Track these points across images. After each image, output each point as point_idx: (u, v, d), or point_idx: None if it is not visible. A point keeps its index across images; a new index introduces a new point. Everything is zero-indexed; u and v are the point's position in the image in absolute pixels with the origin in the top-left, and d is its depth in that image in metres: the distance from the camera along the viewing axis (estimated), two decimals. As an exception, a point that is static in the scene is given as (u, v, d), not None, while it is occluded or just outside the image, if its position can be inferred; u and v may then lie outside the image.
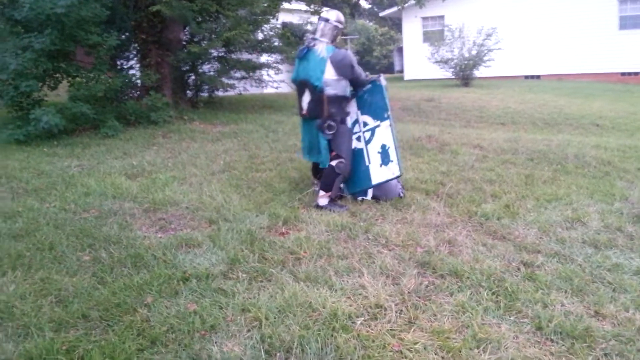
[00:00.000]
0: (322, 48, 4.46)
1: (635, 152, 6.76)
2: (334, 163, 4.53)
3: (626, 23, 19.75)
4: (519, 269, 3.38)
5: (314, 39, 4.57)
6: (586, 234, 3.98)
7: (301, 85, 4.55)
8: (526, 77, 20.86)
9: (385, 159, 4.71)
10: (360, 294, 2.99)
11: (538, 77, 20.85)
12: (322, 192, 4.54)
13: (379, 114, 4.73)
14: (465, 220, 4.29)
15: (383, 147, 4.72)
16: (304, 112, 4.56)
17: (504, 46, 18.05)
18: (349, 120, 4.80)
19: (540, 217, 4.33)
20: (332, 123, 4.46)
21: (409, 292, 3.02)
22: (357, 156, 4.80)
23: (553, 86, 17.57)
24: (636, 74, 19.74)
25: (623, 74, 19.86)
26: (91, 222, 4.10)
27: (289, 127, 8.36)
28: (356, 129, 4.85)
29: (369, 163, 4.77)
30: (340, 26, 4.60)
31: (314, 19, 15.33)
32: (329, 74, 4.37)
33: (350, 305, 2.86)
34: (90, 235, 3.81)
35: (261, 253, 3.53)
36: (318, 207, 4.49)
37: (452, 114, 11.28)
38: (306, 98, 4.51)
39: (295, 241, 3.72)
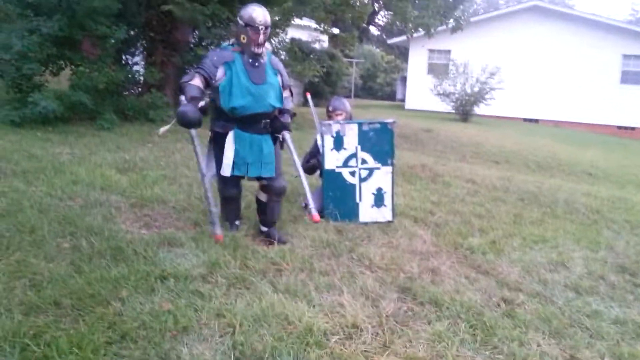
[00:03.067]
0: None
1: (624, 204, 6.81)
2: None
3: (628, 78, 20.10)
4: (499, 304, 3.37)
5: None
6: (569, 278, 3.97)
7: None
8: (524, 119, 21.09)
9: (378, 201, 4.74)
10: (337, 312, 2.95)
11: (536, 121, 21.09)
12: None
13: (383, 157, 4.73)
14: (451, 251, 4.28)
15: (379, 190, 4.75)
16: None
17: (506, 87, 18.28)
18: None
19: (525, 257, 4.32)
20: (211, 134, 4.07)
21: (387, 315, 2.99)
22: (349, 191, 4.73)
23: (550, 132, 17.76)
24: (633, 128, 20.03)
25: (619, 127, 20.14)
26: (75, 211, 4.05)
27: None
28: (352, 163, 4.75)
29: (360, 200, 4.74)
30: (240, 22, 3.74)
31: (324, 37, 15.49)
32: None
33: (327, 322, 2.82)
34: (72, 223, 3.75)
35: (243, 260, 3.49)
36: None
37: (448, 147, 11.34)
38: None
39: (278, 252, 3.69)
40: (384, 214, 4.77)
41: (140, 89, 9.71)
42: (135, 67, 10.04)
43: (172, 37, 9.62)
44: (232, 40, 3.92)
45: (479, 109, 18.33)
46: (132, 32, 9.47)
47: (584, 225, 5.67)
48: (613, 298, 3.75)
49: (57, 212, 3.97)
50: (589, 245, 4.87)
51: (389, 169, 4.74)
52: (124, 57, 9.98)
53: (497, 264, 4.09)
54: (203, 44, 10.56)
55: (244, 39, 3.74)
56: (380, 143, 4.71)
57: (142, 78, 9.54)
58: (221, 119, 3.87)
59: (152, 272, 3.13)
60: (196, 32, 10.42)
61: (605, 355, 2.88)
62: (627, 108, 19.90)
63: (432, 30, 12.45)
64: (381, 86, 33.07)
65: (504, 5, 35.65)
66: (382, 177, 4.74)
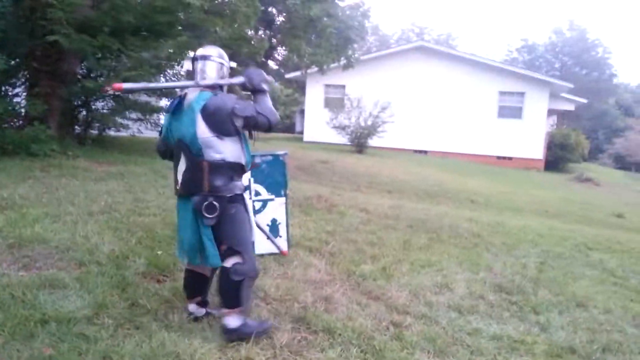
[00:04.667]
0: (193, 96, 3.16)
1: (502, 228, 7.43)
2: (228, 264, 3.09)
3: (504, 112, 22.08)
4: (388, 328, 3.53)
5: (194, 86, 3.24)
6: (452, 299, 4.26)
7: (177, 148, 3.19)
8: (415, 151, 22.34)
9: (273, 232, 4.78)
10: (232, 347, 2.95)
11: (425, 152, 22.42)
12: (225, 310, 3.14)
13: (276, 189, 4.80)
14: (344, 279, 4.43)
15: (273, 221, 4.79)
16: (179, 186, 3.19)
17: (397, 120, 19.35)
18: (247, 196, 3.50)
19: (413, 281, 4.57)
20: (215, 203, 3.08)
21: (281, 346, 3.03)
22: None
23: (438, 162, 18.96)
24: (510, 158, 21.93)
25: (499, 157, 21.96)
26: (-58, 255, 3.70)
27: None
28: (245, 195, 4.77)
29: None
30: (226, 65, 3.35)
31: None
32: (202, 130, 3.05)
33: (220, 358, 2.81)
34: (-62, 269, 3.43)
35: (133, 300, 3.37)
36: (229, 332, 3.07)
37: (344, 178, 11.72)
38: (182, 166, 3.16)
39: (171, 289, 3.61)
40: (280, 244, 4.82)
41: (21, 122, 9.10)
42: (16, 99, 9.42)
43: (58, 68, 9.16)
44: (222, 86, 3.28)
45: (373, 141, 19.18)
46: (12, 62, 8.91)
47: (466, 248, 6.10)
48: (491, 316, 4.08)
49: None
50: (470, 268, 5.25)
51: (282, 200, 4.82)
52: (3, 88, 9.34)
53: (387, 289, 4.29)
54: (92, 75, 10.17)
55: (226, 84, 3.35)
56: (273, 175, 4.78)
57: (23, 110, 8.96)
58: (234, 178, 3.22)
59: (31, 316, 2.93)
60: (84, 63, 10.02)
61: (482, 369, 3.11)
62: (504, 140, 21.79)
63: (325, 67, 12.96)
64: (281, 119, 33.46)
65: (395, 44, 37.92)
66: (276, 209, 4.81)
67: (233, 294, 3.10)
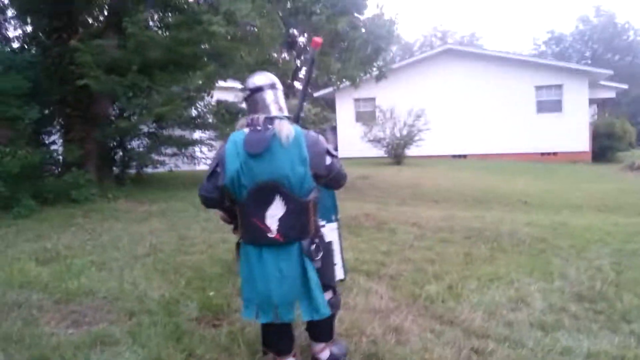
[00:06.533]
0: (288, 129, 2.71)
1: (566, 229, 6.91)
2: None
3: (543, 107, 21.34)
4: (470, 357, 3.17)
5: (270, 118, 2.76)
6: (532, 315, 3.86)
7: (261, 191, 2.66)
8: (453, 156, 21.76)
9: None
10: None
11: (464, 156, 21.81)
12: (321, 345, 3.05)
13: (326, 214, 4.48)
14: (410, 303, 4.06)
15: None
16: (274, 234, 2.68)
17: (432, 127, 18.87)
18: None
19: (485, 298, 4.19)
20: (320, 244, 2.85)
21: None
22: None
23: (478, 165, 18.35)
24: (554, 153, 21.11)
25: (543, 153, 21.17)
26: (-11, 318, 3.53)
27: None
28: None
29: None
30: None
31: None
32: (307, 167, 2.72)
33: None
34: (-14, 335, 3.25)
35: (190, 350, 3.11)
36: None
37: (386, 192, 11.36)
38: (276, 211, 2.68)
39: (228, 335, 3.34)
40: (336, 273, 4.51)
41: (59, 169, 9.14)
42: (54, 146, 9.50)
43: (91, 112, 9.19)
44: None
45: (410, 151, 18.76)
46: (46, 111, 8.98)
47: (533, 256, 5.65)
48: (579, 330, 3.66)
49: (-34, 323, 3.44)
50: (542, 277, 4.82)
51: (334, 225, 4.50)
52: (40, 137, 9.42)
53: (459, 310, 3.92)
54: (125, 115, 10.19)
55: None
56: (322, 199, 4.48)
57: (60, 157, 8.99)
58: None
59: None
60: (116, 104, 10.05)
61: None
62: (546, 135, 20.98)
63: (357, 80, 12.72)
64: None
65: (418, 52, 37.49)
66: (329, 235, 4.50)
67: (329, 328, 3.08)
